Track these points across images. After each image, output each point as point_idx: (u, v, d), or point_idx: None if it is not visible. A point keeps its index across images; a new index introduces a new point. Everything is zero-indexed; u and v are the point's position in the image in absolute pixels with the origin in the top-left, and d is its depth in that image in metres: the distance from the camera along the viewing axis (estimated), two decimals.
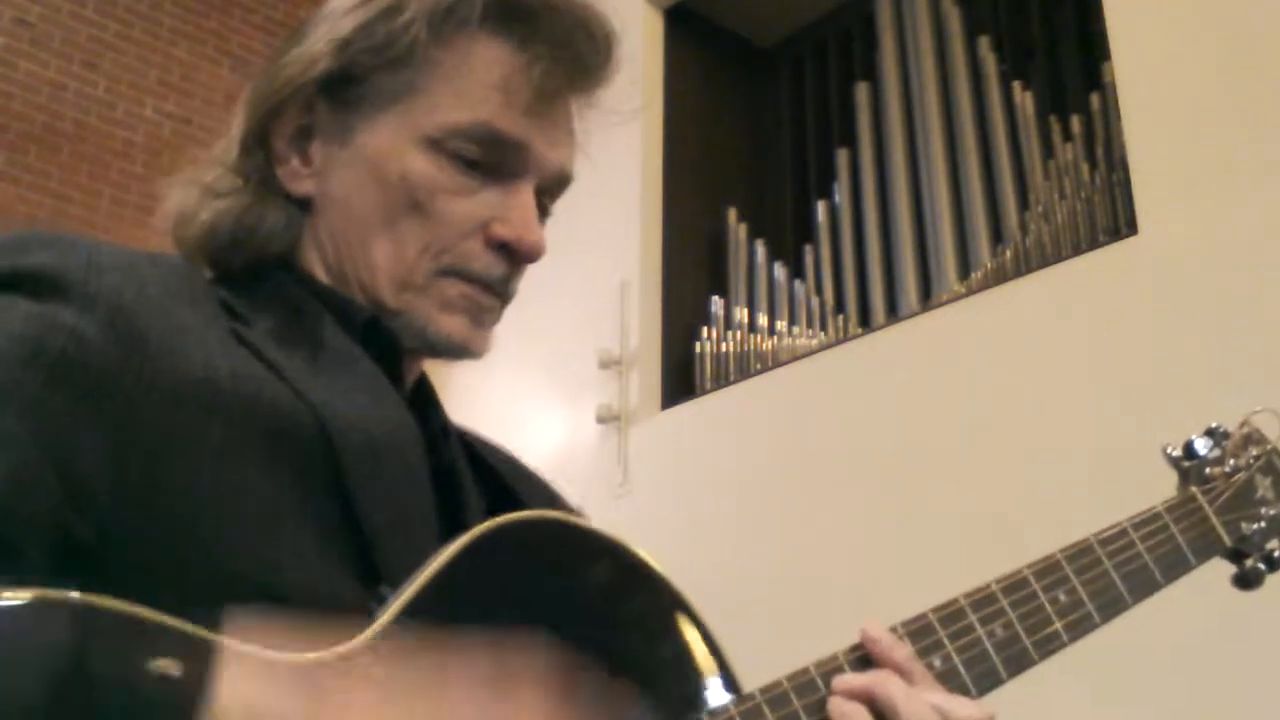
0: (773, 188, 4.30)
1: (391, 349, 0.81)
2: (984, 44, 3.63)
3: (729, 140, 4.32)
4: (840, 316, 3.67)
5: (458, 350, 0.83)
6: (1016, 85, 3.49)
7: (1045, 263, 3.03)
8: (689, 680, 0.75)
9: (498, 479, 0.87)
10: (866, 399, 3.17)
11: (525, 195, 0.83)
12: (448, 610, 0.65)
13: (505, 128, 0.82)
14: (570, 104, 0.87)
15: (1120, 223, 2.95)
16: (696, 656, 0.75)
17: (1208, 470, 1.01)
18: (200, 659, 0.54)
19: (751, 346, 3.71)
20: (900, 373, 3.12)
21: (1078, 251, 2.96)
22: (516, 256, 0.83)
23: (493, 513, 0.81)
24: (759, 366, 3.63)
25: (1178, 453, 1.03)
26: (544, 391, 3.88)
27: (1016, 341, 2.88)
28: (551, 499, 0.92)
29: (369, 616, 0.65)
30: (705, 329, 3.80)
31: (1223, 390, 2.42)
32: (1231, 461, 1.01)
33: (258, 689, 0.56)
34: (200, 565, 0.61)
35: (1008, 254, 3.22)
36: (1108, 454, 2.58)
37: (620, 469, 3.57)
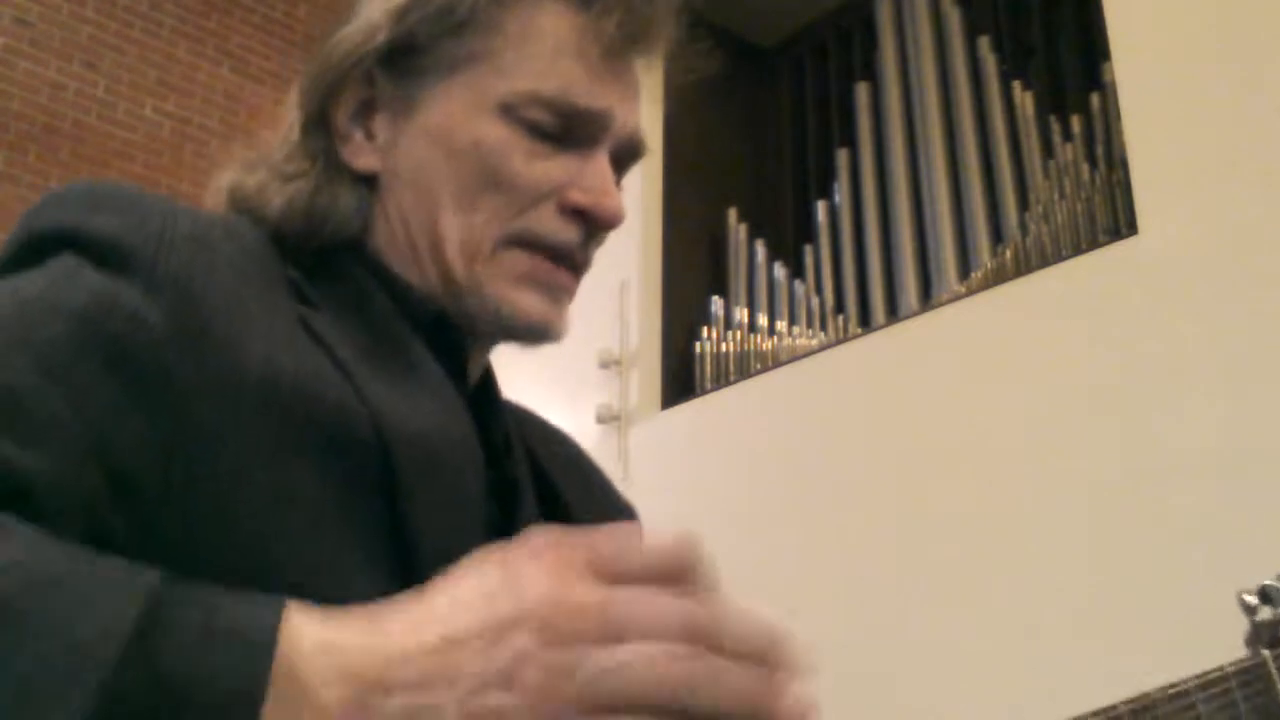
0: (773, 188, 4.30)
1: (457, 346, 0.79)
2: (984, 44, 3.63)
3: (729, 140, 4.32)
4: (840, 316, 3.68)
5: (538, 331, 0.80)
6: (1016, 85, 3.49)
7: (1045, 263, 3.03)
8: None
9: (558, 496, 0.84)
10: (866, 399, 3.17)
11: (601, 161, 0.80)
12: None
13: (581, 97, 0.79)
14: (635, 64, 0.83)
15: (1120, 223, 2.95)
16: None
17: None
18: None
19: (751, 346, 3.71)
20: (900, 373, 3.12)
21: (1078, 251, 2.96)
22: (594, 223, 0.80)
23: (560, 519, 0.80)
24: (759, 366, 3.63)
25: (1253, 600, 0.96)
26: (544, 391, 3.87)
27: (1016, 341, 2.88)
28: (608, 512, 0.90)
29: None
30: (705, 329, 3.80)
31: (1223, 390, 2.42)
32: None
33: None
34: (236, 569, 0.59)
35: (1008, 254, 3.22)
36: (1107, 454, 2.58)
37: (620, 469, 3.57)
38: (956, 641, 2.66)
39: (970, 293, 3.17)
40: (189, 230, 0.67)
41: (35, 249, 0.65)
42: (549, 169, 0.78)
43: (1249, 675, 0.90)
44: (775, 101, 4.44)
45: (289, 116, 0.83)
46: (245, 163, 0.82)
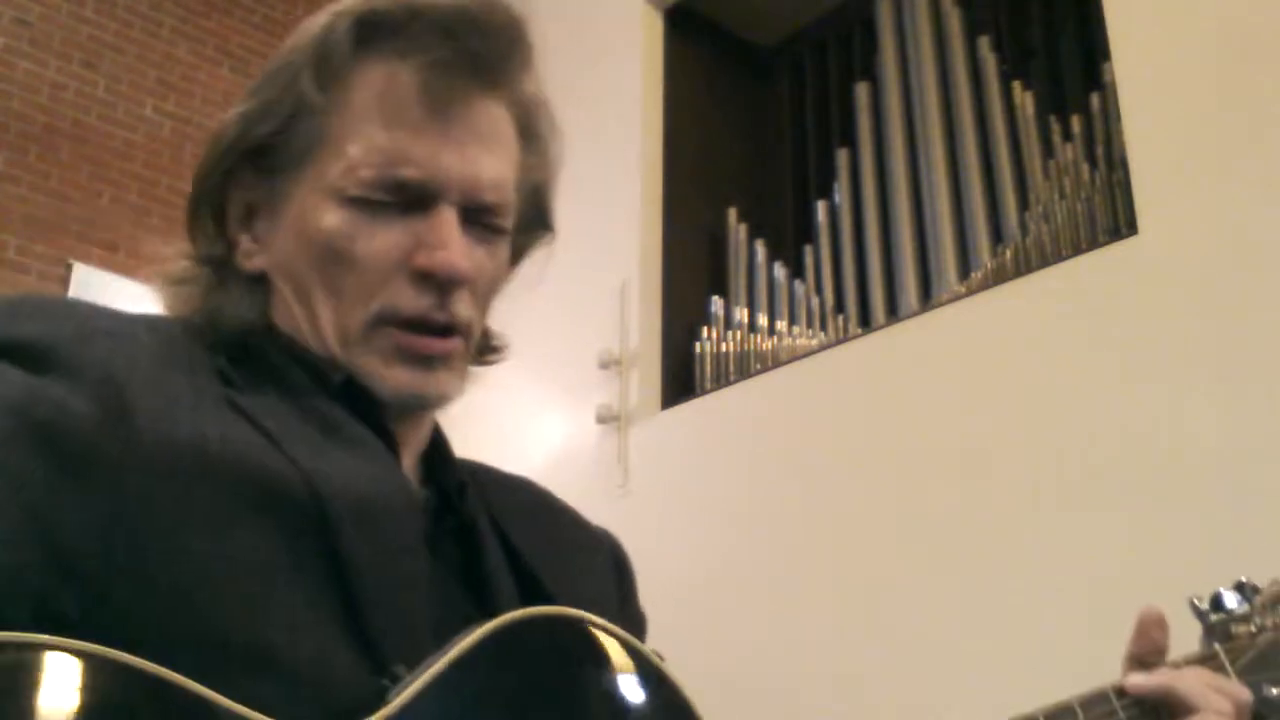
0: (773, 188, 4.30)
1: (373, 407, 0.81)
2: (984, 44, 3.63)
3: (729, 140, 4.32)
4: (840, 316, 3.67)
5: (415, 400, 0.81)
6: (1016, 85, 3.48)
7: (1045, 263, 3.03)
8: None
9: (509, 542, 0.85)
10: (866, 399, 3.17)
11: (440, 217, 0.80)
12: (457, 701, 0.65)
13: (401, 169, 0.79)
14: (478, 101, 0.83)
15: (1120, 223, 2.95)
16: None
17: (1233, 628, 0.98)
18: None
19: (751, 346, 3.71)
20: (900, 373, 3.12)
21: (1078, 251, 2.96)
22: (442, 283, 0.80)
23: (516, 574, 0.81)
24: (759, 366, 3.63)
25: (1205, 605, 1.00)
26: (544, 391, 3.88)
27: (1016, 341, 2.88)
28: (573, 547, 0.91)
29: (369, 689, 0.65)
30: (705, 329, 3.80)
31: (1222, 390, 2.42)
32: (1258, 620, 0.98)
33: None
34: (189, 631, 0.61)
35: (1008, 254, 3.22)
36: (1107, 454, 2.58)
37: (620, 469, 3.57)
38: (957, 641, 2.66)
39: (970, 293, 3.17)
40: (107, 327, 0.72)
41: None
42: (393, 239, 0.80)
43: (1204, 667, 0.93)
44: (775, 101, 4.44)
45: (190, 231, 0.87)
46: (153, 273, 0.86)
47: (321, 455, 0.72)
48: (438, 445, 0.88)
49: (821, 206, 3.90)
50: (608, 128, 3.99)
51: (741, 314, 3.79)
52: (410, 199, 0.80)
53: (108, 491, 0.63)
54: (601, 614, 0.81)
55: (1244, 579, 0.99)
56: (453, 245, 0.80)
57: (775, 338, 3.70)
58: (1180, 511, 2.39)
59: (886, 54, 3.89)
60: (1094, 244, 2.95)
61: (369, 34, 0.81)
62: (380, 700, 0.65)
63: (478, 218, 0.83)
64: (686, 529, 3.32)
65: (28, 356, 0.67)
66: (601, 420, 3.68)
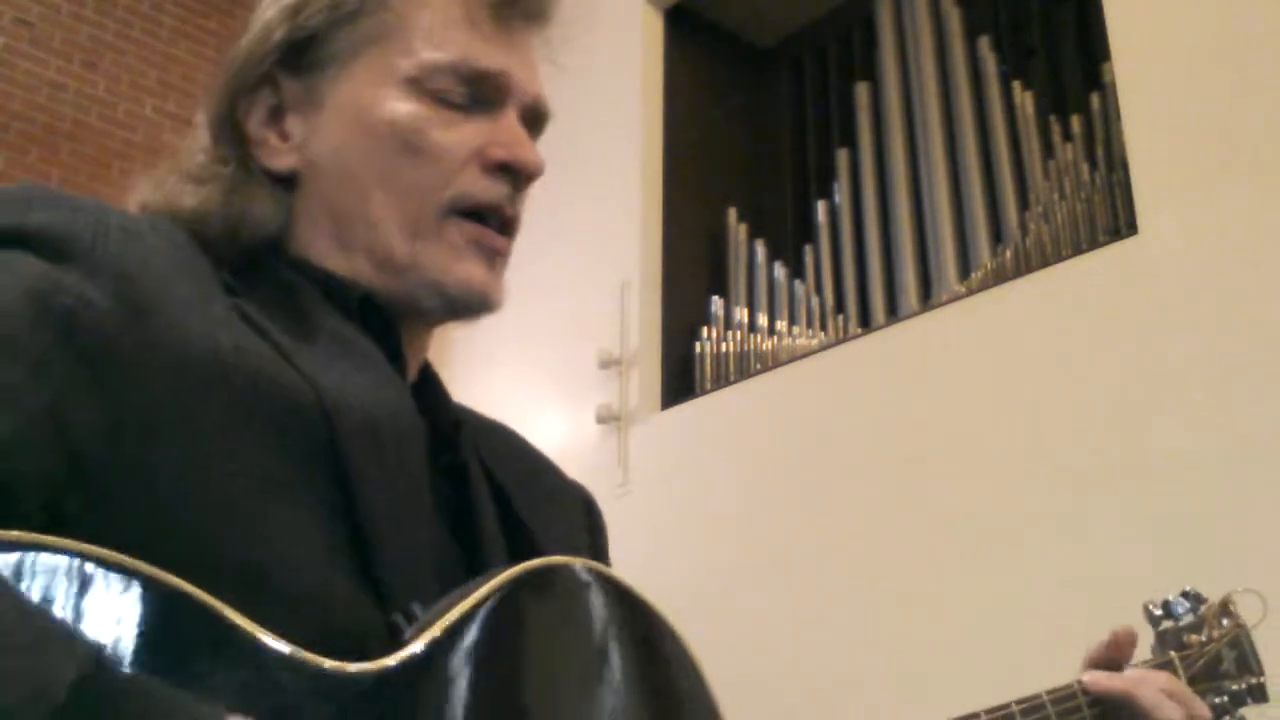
0: (773, 188, 4.30)
1: (388, 327, 0.80)
2: (984, 44, 3.63)
3: (729, 140, 4.32)
4: (840, 316, 3.67)
5: (478, 300, 0.81)
6: (1016, 85, 3.48)
7: (1045, 263, 3.03)
8: None
9: (500, 485, 0.85)
10: (866, 399, 3.17)
11: (510, 118, 0.83)
12: (476, 650, 0.64)
13: (481, 59, 0.81)
14: (529, 30, 0.86)
15: (1120, 223, 2.95)
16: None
17: (1184, 637, 1.03)
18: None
19: (751, 346, 3.71)
20: (900, 373, 3.12)
21: (1078, 251, 2.96)
22: (517, 176, 0.82)
23: (503, 517, 0.81)
24: (759, 366, 3.63)
25: (1158, 612, 1.05)
26: (544, 391, 3.88)
27: (1016, 341, 2.88)
28: (555, 493, 0.91)
29: (373, 620, 0.64)
30: (705, 329, 3.80)
31: (1222, 390, 2.42)
32: (1206, 631, 1.03)
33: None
34: (187, 544, 0.60)
35: (1008, 254, 3.22)
36: (1107, 454, 2.58)
37: (620, 469, 3.57)
38: (956, 640, 2.66)
39: (970, 293, 3.17)
40: (120, 222, 0.69)
41: None
42: (464, 134, 0.81)
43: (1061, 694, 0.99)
44: (775, 101, 4.44)
45: (199, 130, 0.85)
46: (152, 180, 0.83)
47: (333, 371, 0.71)
48: (430, 379, 0.87)
49: (821, 206, 3.90)
50: (608, 128, 3.99)
51: (741, 314, 3.79)
52: (480, 97, 0.82)
53: (121, 390, 0.62)
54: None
55: (1189, 589, 1.04)
56: (530, 144, 0.83)
57: (775, 338, 3.70)
58: (1180, 511, 2.39)
59: (886, 54, 3.89)
60: (1094, 244, 2.95)
61: None
62: (389, 635, 0.64)
63: (530, 132, 0.85)
64: (686, 529, 3.32)
65: (44, 244, 0.65)
66: (601, 420, 3.68)
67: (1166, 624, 1.05)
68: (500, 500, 0.83)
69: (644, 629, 0.72)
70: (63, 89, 4.48)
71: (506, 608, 0.66)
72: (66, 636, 0.49)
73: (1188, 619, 1.04)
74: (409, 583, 0.67)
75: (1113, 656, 0.98)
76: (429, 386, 0.86)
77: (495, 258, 0.82)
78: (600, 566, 0.72)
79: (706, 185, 4.14)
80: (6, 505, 0.56)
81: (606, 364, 3.74)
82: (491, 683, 0.64)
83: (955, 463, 2.85)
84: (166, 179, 0.82)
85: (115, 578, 0.54)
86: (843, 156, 3.94)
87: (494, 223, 0.82)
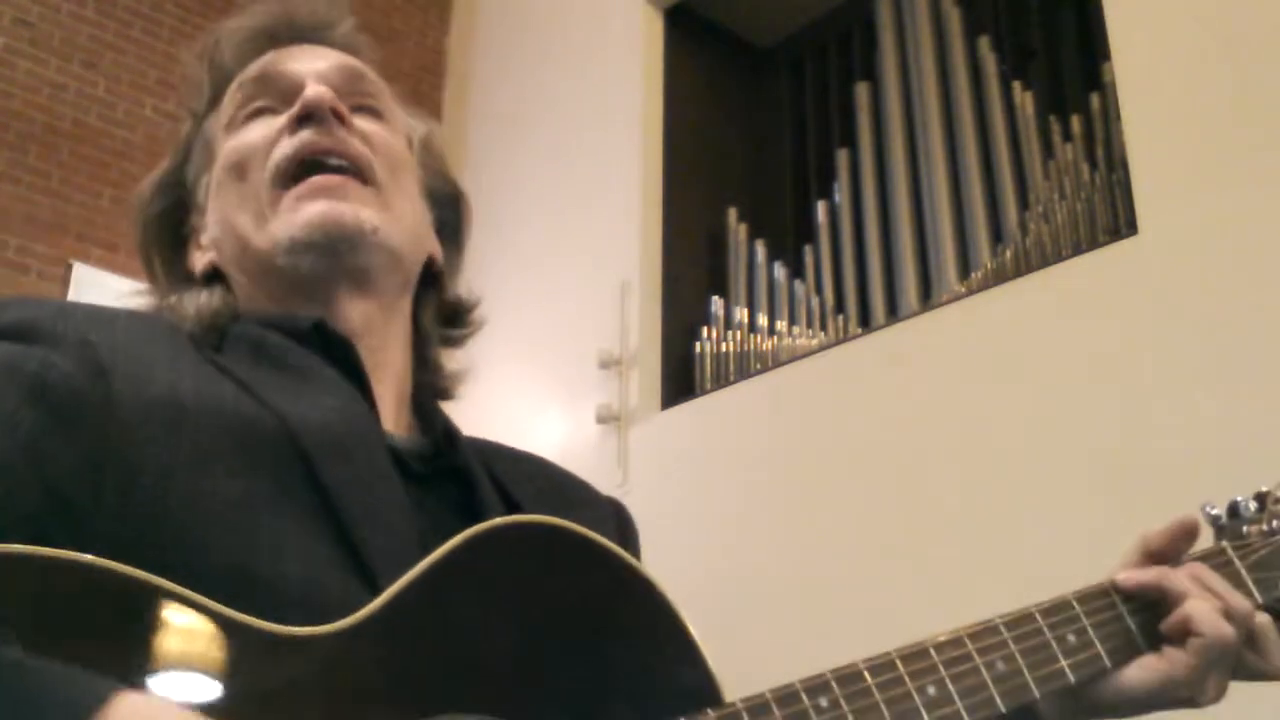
0: (773, 188, 4.30)
1: (345, 349, 0.83)
2: (984, 44, 3.63)
3: (729, 140, 4.32)
4: (840, 316, 3.67)
5: (332, 229, 0.84)
6: (1016, 85, 3.49)
7: (1045, 263, 3.03)
8: (672, 690, 0.74)
9: (510, 496, 0.86)
10: (866, 399, 3.17)
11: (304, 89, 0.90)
12: (434, 607, 0.65)
13: (251, 69, 0.91)
14: (307, 44, 0.94)
15: (1120, 223, 2.95)
16: (684, 670, 0.74)
17: (1245, 529, 0.97)
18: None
19: (751, 346, 3.71)
20: (900, 373, 3.12)
21: (1078, 251, 2.96)
22: (316, 118, 0.87)
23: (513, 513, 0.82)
24: (759, 366, 3.63)
25: (1217, 511, 1.00)
26: (544, 391, 3.88)
27: (1016, 341, 2.88)
28: (580, 505, 0.92)
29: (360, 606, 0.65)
30: (705, 329, 3.80)
31: (1222, 389, 2.42)
32: (1274, 523, 0.96)
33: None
34: (176, 562, 0.62)
35: (1008, 254, 3.22)
36: (1107, 454, 2.58)
37: (620, 469, 3.57)
38: None
39: (970, 293, 3.17)
40: (85, 310, 0.76)
41: None
42: (269, 124, 0.89)
43: (1211, 562, 0.93)
44: (775, 101, 4.44)
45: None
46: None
47: (294, 398, 0.76)
48: (424, 401, 0.91)
49: (821, 206, 3.90)
50: (608, 128, 3.99)
51: (741, 314, 3.79)
52: (282, 98, 0.89)
53: (93, 438, 0.67)
54: None
55: (1265, 489, 0.98)
56: (310, 85, 0.88)
57: (775, 338, 3.70)
58: (1181, 511, 2.39)
59: (886, 54, 3.89)
60: (1094, 244, 2.95)
61: (231, 54, 0.94)
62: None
63: (351, 99, 0.91)
64: (686, 529, 3.32)
65: (11, 334, 0.71)
66: (601, 420, 3.68)
67: (1227, 522, 0.98)
68: (511, 507, 0.84)
69: (607, 578, 0.72)
70: (63, 89, 4.48)
71: (461, 565, 0.67)
72: None
73: (1253, 514, 0.96)
74: (399, 570, 0.67)
75: (1165, 549, 0.93)
76: (425, 413, 0.90)
77: (328, 190, 0.85)
78: (559, 521, 0.72)
79: (706, 185, 4.14)
80: None
81: (606, 364, 3.74)
82: (440, 638, 0.65)
83: (955, 462, 2.85)
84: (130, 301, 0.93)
85: (102, 580, 0.57)
86: (843, 156, 3.94)
87: (319, 169, 0.87)
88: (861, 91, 3.96)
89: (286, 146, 0.86)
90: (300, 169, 0.86)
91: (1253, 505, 0.97)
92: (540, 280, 3.88)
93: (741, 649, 3.35)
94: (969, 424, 2.87)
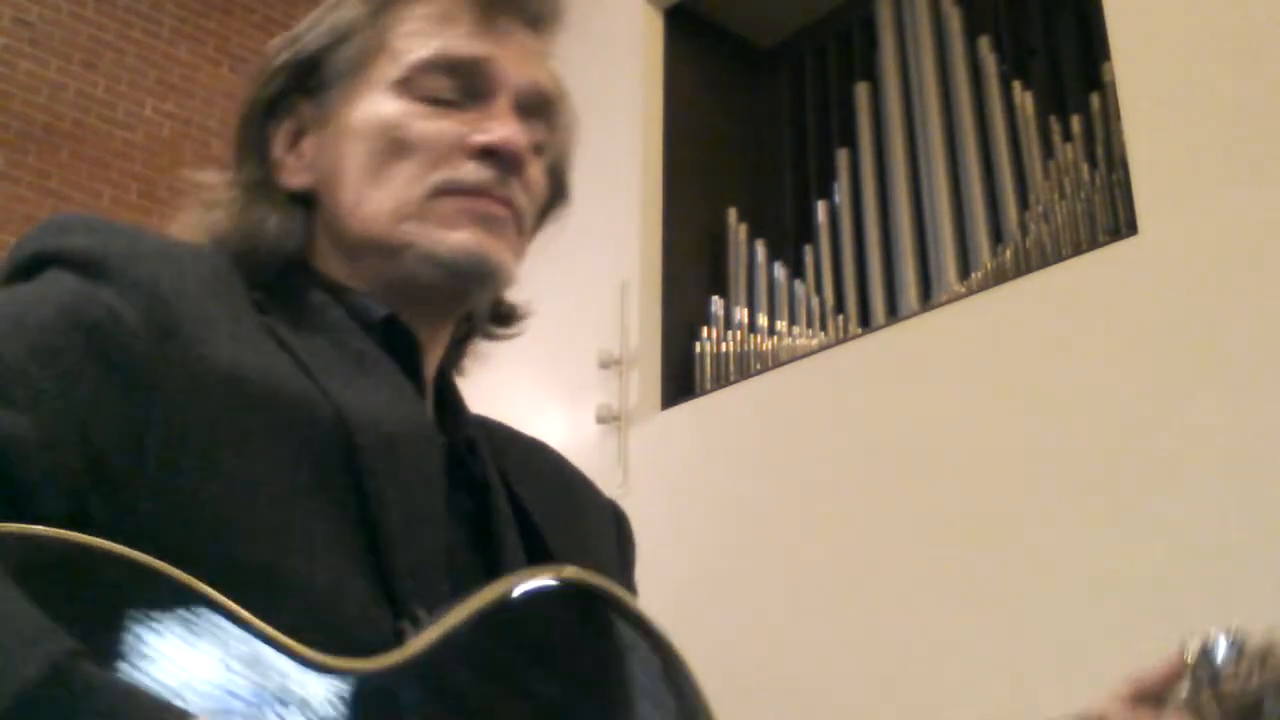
0: (773, 188, 4.30)
1: (409, 344, 0.82)
2: (984, 44, 3.63)
3: (729, 140, 4.32)
4: (840, 316, 3.67)
5: (476, 261, 0.81)
6: (1016, 85, 3.48)
7: (1045, 263, 3.03)
8: None
9: (519, 501, 0.85)
10: (866, 399, 3.17)
11: (499, 106, 0.85)
12: (472, 659, 0.65)
13: (459, 50, 0.84)
14: (524, 32, 0.88)
15: (1120, 223, 2.95)
16: None
17: (1223, 677, 0.96)
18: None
19: (751, 346, 3.71)
20: (900, 373, 3.12)
21: (1078, 251, 2.96)
22: (504, 161, 0.83)
23: (523, 532, 0.81)
24: (759, 366, 3.63)
25: (1196, 650, 0.98)
26: (544, 391, 3.88)
27: (1016, 341, 2.88)
28: (583, 514, 0.91)
29: (384, 626, 0.65)
30: (705, 329, 3.80)
31: (1223, 390, 2.42)
32: (1247, 673, 0.96)
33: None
34: (209, 550, 0.62)
35: (1008, 254, 3.22)
36: (1107, 453, 2.57)
37: (620, 469, 3.57)
38: (956, 641, 2.66)
39: (970, 293, 3.17)
40: (154, 248, 0.72)
41: (22, 272, 0.71)
42: (450, 124, 0.83)
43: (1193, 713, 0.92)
44: (775, 101, 4.44)
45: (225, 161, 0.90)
46: (183, 214, 0.87)
47: (353, 388, 0.73)
48: (448, 397, 0.89)
49: (821, 206, 3.90)
50: (608, 127, 3.99)
51: (741, 314, 3.79)
52: (469, 90, 0.84)
53: (145, 403, 0.64)
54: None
55: (1231, 630, 0.98)
56: (516, 128, 0.84)
57: (775, 338, 3.70)
58: (1181, 511, 2.39)
59: (886, 54, 3.89)
60: (1094, 244, 2.95)
61: None
62: (396, 641, 0.65)
63: (530, 117, 0.87)
64: (686, 529, 3.32)
65: (79, 265, 0.69)
66: (601, 420, 3.68)
67: (1203, 668, 0.98)
68: (521, 516, 0.84)
69: (635, 643, 0.72)
70: (63, 89, 4.48)
71: (503, 615, 0.66)
72: (43, 632, 0.49)
73: (1229, 663, 0.97)
74: (424, 590, 0.68)
75: (1159, 691, 0.93)
76: (448, 404, 0.88)
77: (490, 221, 0.83)
78: (598, 578, 0.72)
79: (706, 185, 4.14)
80: (29, 505, 0.57)
81: (606, 364, 3.74)
82: (478, 690, 0.64)
83: (955, 463, 2.85)
84: (194, 209, 0.86)
85: (107, 566, 0.56)
86: (843, 156, 3.93)
87: (489, 198, 0.84)
88: (861, 91, 3.96)
89: (468, 174, 0.82)
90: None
91: (1224, 649, 0.97)
92: (540, 280, 3.85)
93: (741, 648, 3.36)
94: (969, 424, 2.87)
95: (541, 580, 0.69)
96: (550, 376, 3.86)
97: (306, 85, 0.86)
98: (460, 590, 0.70)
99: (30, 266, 0.71)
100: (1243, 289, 2.47)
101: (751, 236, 3.97)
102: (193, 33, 4.89)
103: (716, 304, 3.85)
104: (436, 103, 0.83)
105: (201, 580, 0.58)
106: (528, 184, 0.86)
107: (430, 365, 0.86)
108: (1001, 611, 2.62)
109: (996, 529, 2.71)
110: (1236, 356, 2.43)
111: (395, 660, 0.62)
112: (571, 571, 0.72)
